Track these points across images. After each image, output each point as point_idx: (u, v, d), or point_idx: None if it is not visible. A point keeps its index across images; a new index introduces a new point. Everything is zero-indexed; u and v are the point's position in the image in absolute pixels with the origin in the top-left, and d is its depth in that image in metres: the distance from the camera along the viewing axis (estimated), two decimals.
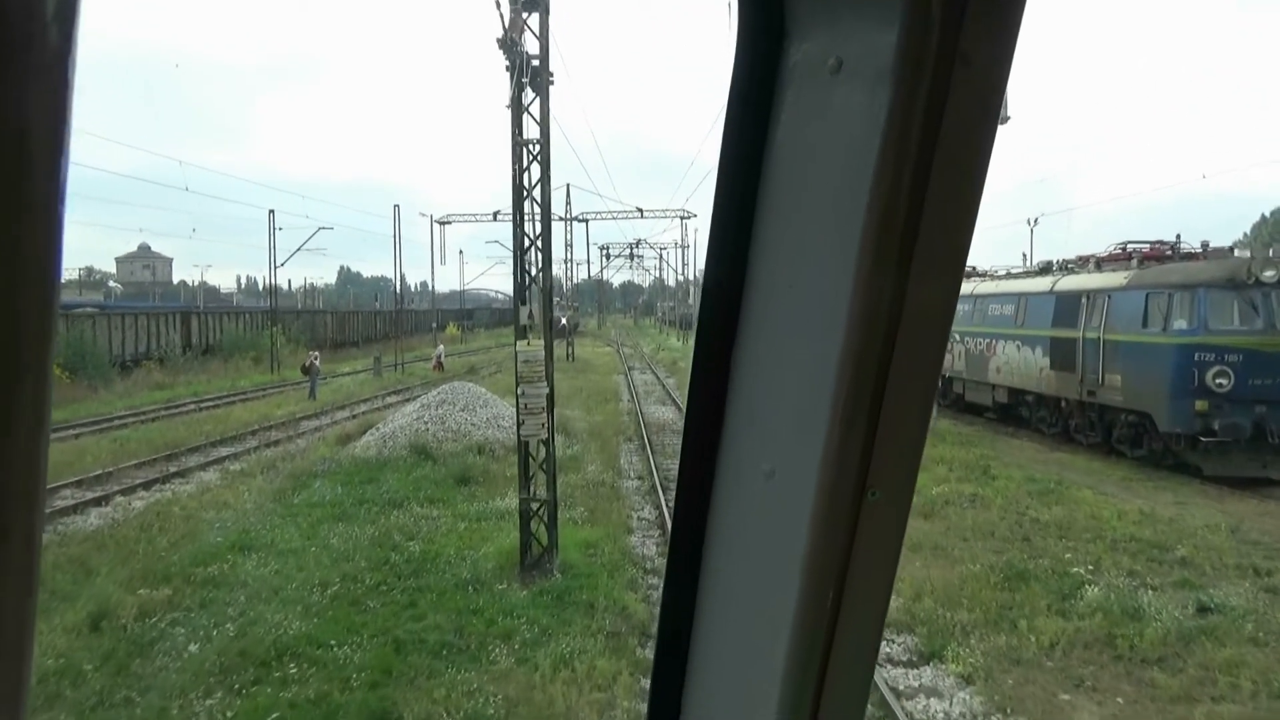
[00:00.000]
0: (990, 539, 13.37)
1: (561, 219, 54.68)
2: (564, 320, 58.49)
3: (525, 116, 11.54)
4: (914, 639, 9.62)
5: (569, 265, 57.39)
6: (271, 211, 44.79)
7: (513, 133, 11.40)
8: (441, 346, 48.50)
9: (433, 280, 66.10)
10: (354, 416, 27.25)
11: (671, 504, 1.21)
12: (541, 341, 11.17)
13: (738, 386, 1.07)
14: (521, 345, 11.03)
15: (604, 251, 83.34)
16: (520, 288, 11.50)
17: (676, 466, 1.18)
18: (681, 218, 58.52)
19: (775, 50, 0.98)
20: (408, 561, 12.10)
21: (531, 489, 11.61)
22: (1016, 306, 23.94)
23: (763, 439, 1.04)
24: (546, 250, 11.57)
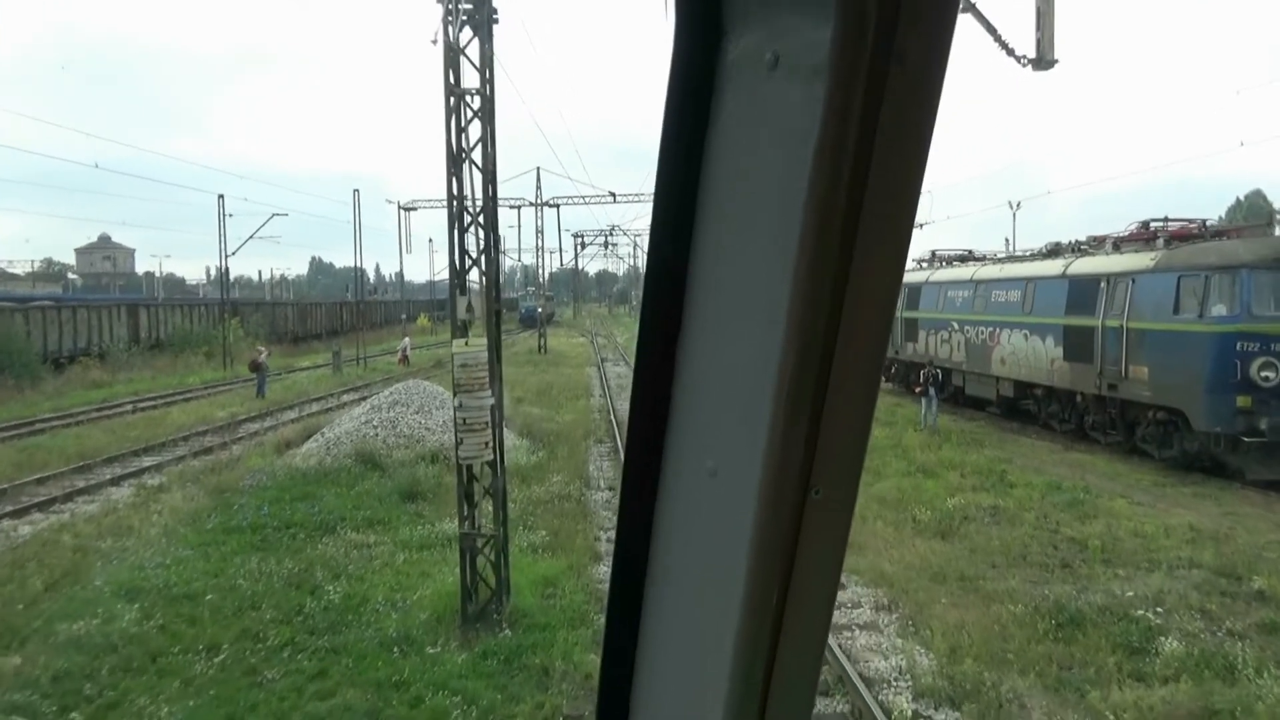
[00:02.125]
0: (1024, 565, 11.33)
1: (532, 204, 52.26)
2: (539, 310, 56.20)
3: (463, 62, 9.31)
4: None
5: (541, 253, 54.87)
6: (221, 197, 42.08)
7: (446, 80, 9.16)
8: (407, 339, 46.04)
9: (401, 269, 63.29)
10: (301, 418, 24.89)
11: None
12: (484, 340, 8.97)
13: (681, 384, 1.04)
14: (458, 345, 8.82)
15: (578, 239, 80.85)
16: (458, 273, 9.28)
17: None
18: (654, 189, 56.22)
19: (713, 45, 0.95)
20: (326, 610, 9.88)
21: (476, 521, 9.41)
22: (1024, 292, 21.95)
23: (706, 437, 1.01)
24: (491, 225, 9.35)
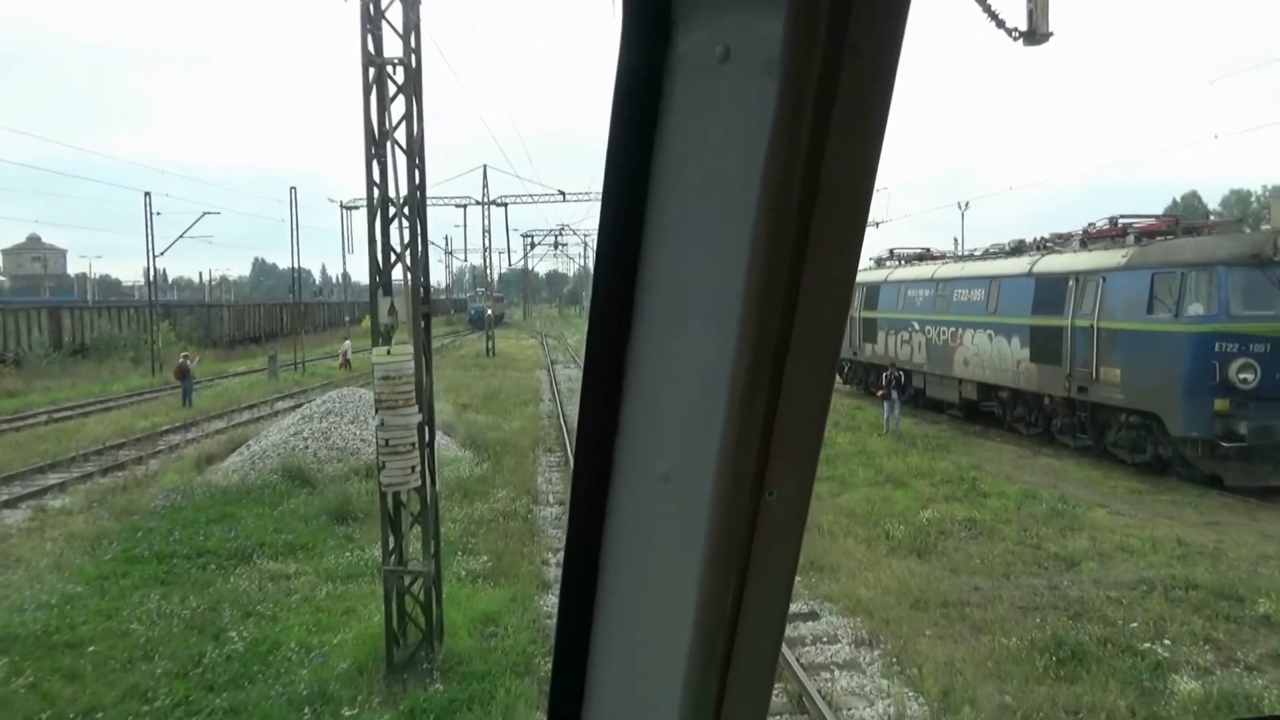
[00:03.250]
0: (1010, 587, 10.42)
1: (478, 203, 50.75)
2: (488, 311, 54.62)
3: (386, 30, 8.10)
4: None
5: (488, 253, 53.33)
6: (147, 194, 39.87)
7: (363, 48, 7.93)
8: (349, 342, 44.20)
9: (344, 269, 61.25)
10: (229, 429, 23.27)
11: None
12: (410, 348, 7.76)
13: (632, 386, 1.02)
14: (379, 355, 7.59)
15: (527, 239, 79.32)
16: (380, 271, 8.05)
17: None
18: (603, 185, 55.07)
19: (662, 39, 0.93)
20: (229, 660, 8.57)
21: (404, 554, 8.19)
22: (988, 291, 21.24)
23: (658, 440, 1.00)
24: (419, 216, 8.14)
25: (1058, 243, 20.20)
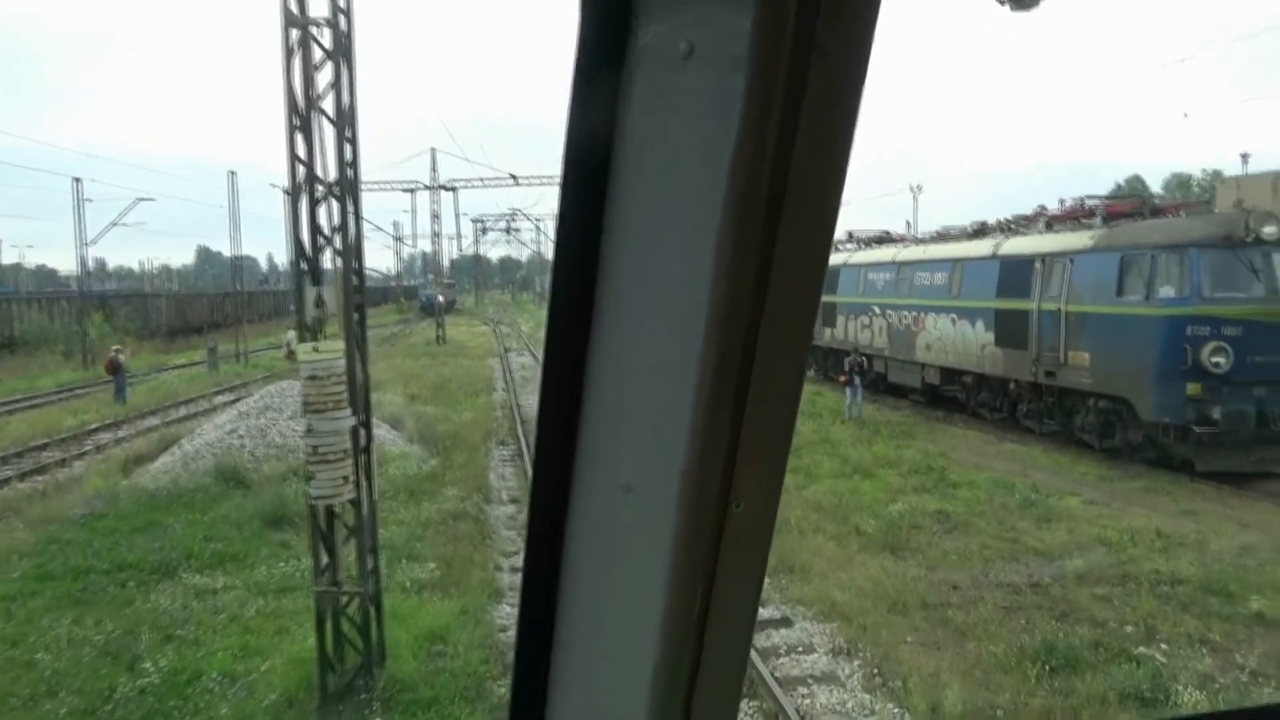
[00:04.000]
0: (991, 587, 9.89)
1: (427, 188, 49.39)
2: (439, 298, 53.28)
3: None
4: None
5: (437, 238, 51.99)
6: (77, 180, 38.07)
7: (283, 6, 7.02)
8: (292, 332, 42.54)
9: (296, 258, 59.28)
10: (162, 426, 22.03)
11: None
12: (341, 344, 6.91)
13: (592, 396, 0.98)
14: (304, 352, 6.73)
15: (479, 224, 77.85)
16: (307, 257, 7.17)
17: None
18: (560, 185, 53.99)
19: (622, 30, 0.90)
20: (143, 695, 7.68)
21: (338, 573, 7.36)
22: (951, 274, 20.80)
23: (620, 451, 0.96)
24: (350, 195, 7.27)
25: (1022, 224, 19.81)
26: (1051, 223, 18.53)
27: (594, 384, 0.98)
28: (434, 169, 48.87)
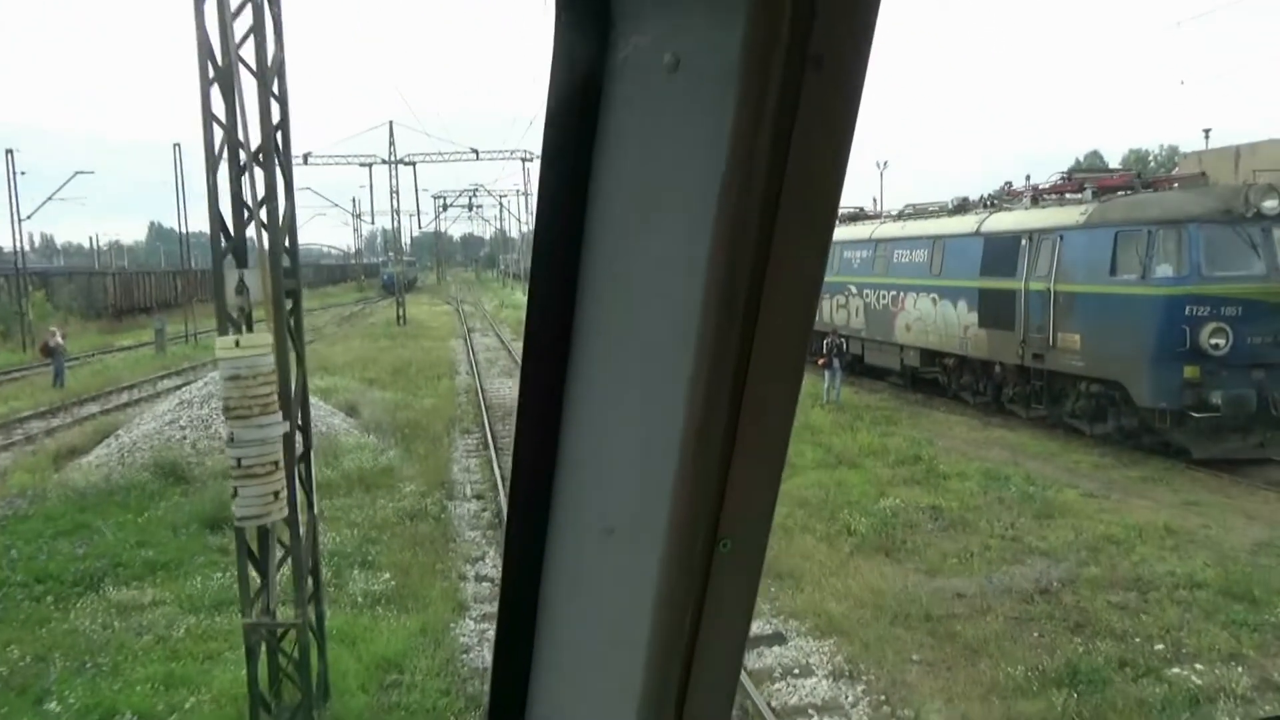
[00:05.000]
0: (997, 595, 9.12)
1: (385, 162, 47.73)
2: (400, 276, 51.77)
3: None
4: None
5: (396, 215, 50.37)
6: (9, 152, 36.05)
7: None
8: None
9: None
10: (101, 414, 20.71)
11: None
12: (269, 337, 5.87)
13: (570, 431, 0.94)
14: (224, 347, 5.68)
15: (440, 201, 76.01)
16: (228, 233, 6.10)
17: None
18: (523, 159, 52.54)
19: (601, 40, 0.86)
20: None
21: (270, 600, 6.34)
22: (930, 252, 20.03)
23: (600, 492, 0.92)
24: (278, 163, 6.20)
25: (1006, 199, 19.07)
26: (1038, 198, 17.78)
27: (573, 420, 0.93)
28: (392, 143, 47.23)
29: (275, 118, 6.36)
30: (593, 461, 0.93)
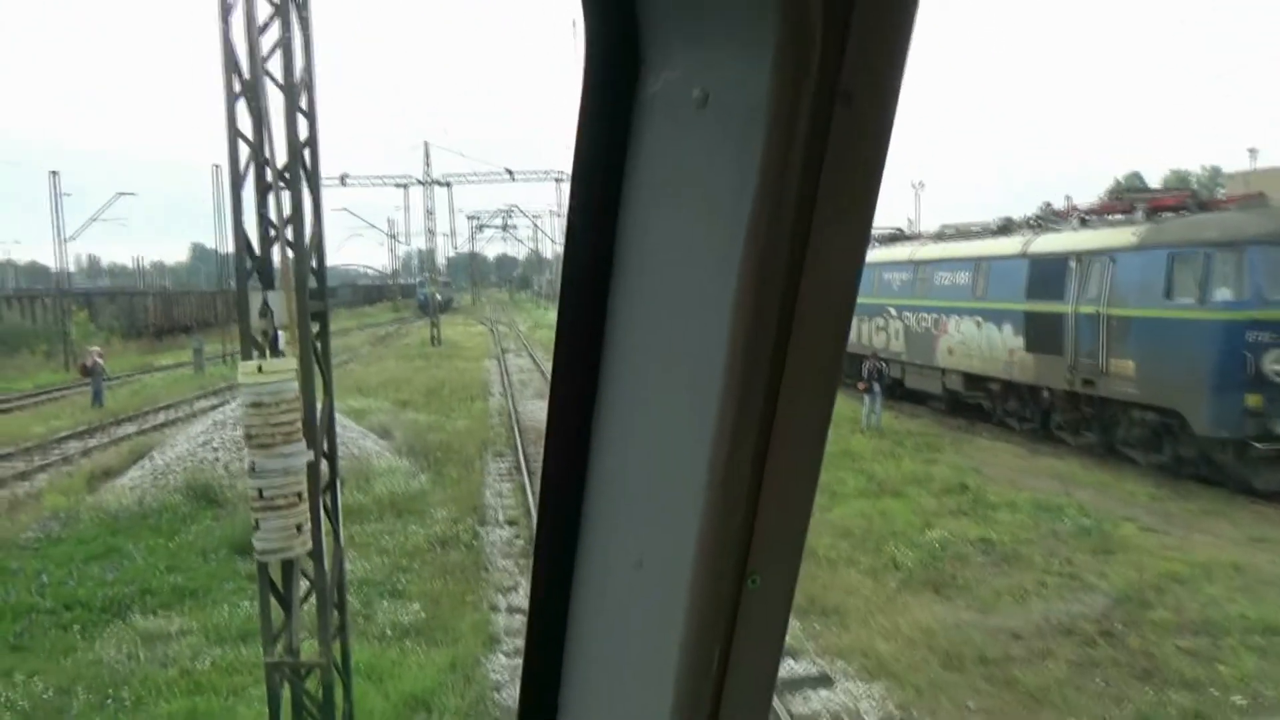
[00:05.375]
0: (1056, 635, 8.63)
1: (421, 183, 48.03)
2: (436, 296, 51.95)
3: None
4: None
5: (432, 235, 50.53)
6: (54, 173, 36.70)
7: None
8: (283, 332, 41.39)
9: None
10: (138, 434, 20.74)
11: None
12: (293, 362, 5.62)
13: (600, 467, 0.93)
14: (247, 372, 5.44)
15: (474, 222, 76.43)
16: (253, 254, 5.88)
17: None
18: (556, 180, 52.64)
19: (630, 75, 0.86)
20: None
21: (294, 639, 6.06)
22: (974, 274, 19.54)
23: (630, 524, 0.91)
24: (305, 179, 5.98)
25: (1053, 220, 18.54)
26: (1086, 219, 17.25)
27: (602, 454, 0.92)
28: (427, 163, 47.52)
29: (304, 134, 6.15)
30: (621, 492, 0.91)
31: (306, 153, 6.18)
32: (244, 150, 5.97)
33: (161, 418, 23.68)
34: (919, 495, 13.80)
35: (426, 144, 50.00)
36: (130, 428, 22.15)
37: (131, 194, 40.96)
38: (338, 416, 18.07)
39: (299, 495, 5.52)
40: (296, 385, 5.54)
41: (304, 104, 6.14)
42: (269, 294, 5.65)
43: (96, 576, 10.86)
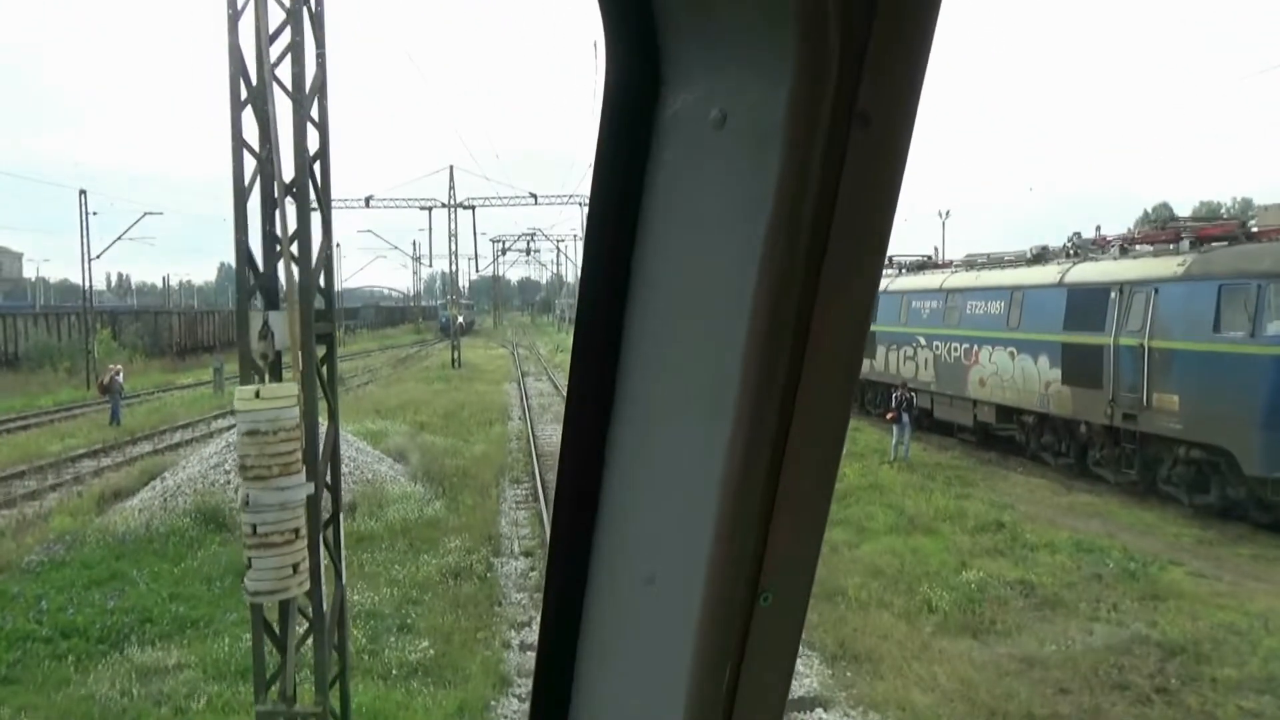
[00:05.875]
0: (1106, 691, 8.04)
1: (445, 206, 48.00)
2: (458, 319, 51.83)
3: None
4: None
5: (454, 258, 50.48)
6: (82, 193, 36.86)
7: None
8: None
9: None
10: (153, 454, 20.50)
11: None
12: (293, 388, 5.22)
13: (614, 482, 0.93)
14: (244, 396, 5.04)
15: (498, 245, 76.50)
16: (257, 271, 5.50)
17: None
18: (580, 204, 52.47)
19: (650, 96, 0.86)
20: None
21: (288, 685, 5.61)
22: (1008, 303, 18.97)
23: (643, 541, 0.91)
24: (316, 191, 5.61)
25: (1090, 249, 17.97)
26: (1127, 247, 16.69)
27: (615, 470, 0.92)
28: (451, 186, 47.49)
29: (314, 145, 5.80)
30: (635, 509, 0.91)
31: (317, 166, 5.83)
32: (251, 163, 5.62)
33: (177, 437, 23.45)
34: (952, 533, 13.21)
35: (451, 167, 50.09)
36: (146, 446, 21.93)
37: (158, 213, 40.98)
38: (352, 440, 17.70)
39: (296, 532, 5.10)
40: (297, 412, 5.14)
41: (315, 114, 5.79)
42: (271, 314, 5.26)
43: (97, 604, 10.49)
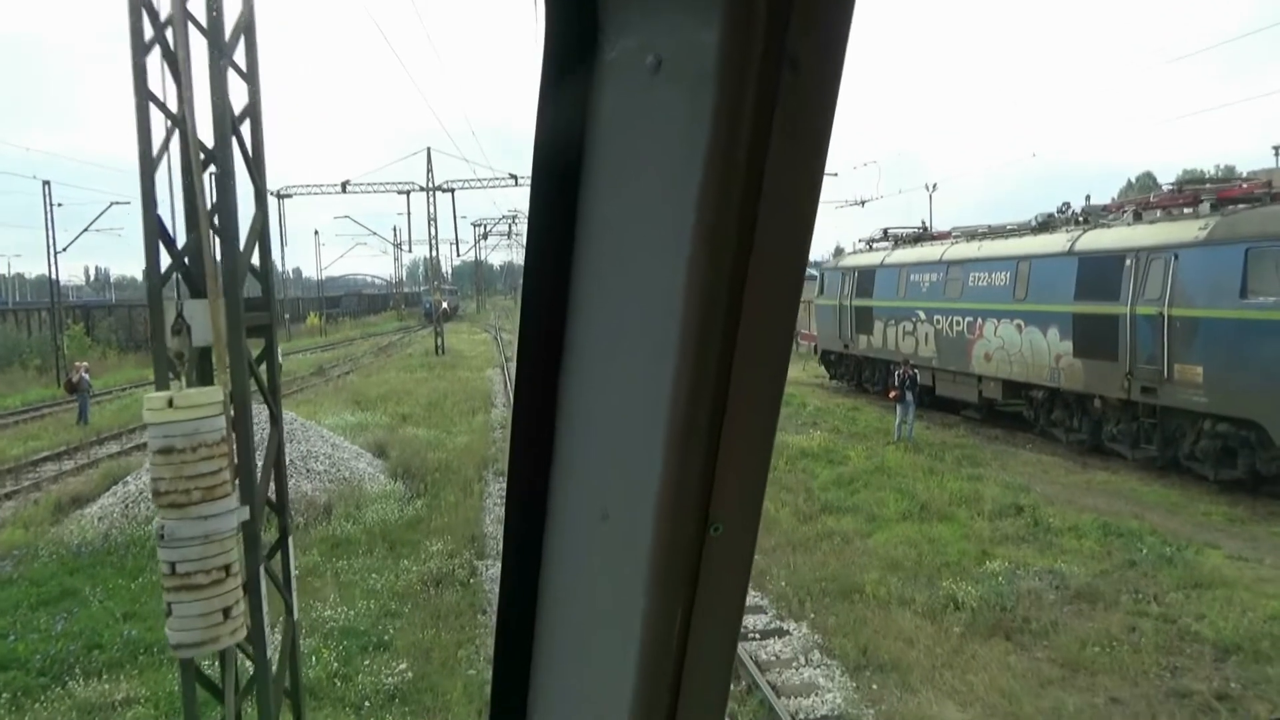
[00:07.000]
0: (1160, 699, 7.22)
1: (423, 189, 46.70)
2: (443, 305, 50.64)
3: None
4: None
5: (435, 242, 49.18)
6: (46, 183, 35.47)
7: None
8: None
9: (281, 263, 56.82)
10: (119, 455, 19.44)
11: None
12: (216, 392, 4.27)
13: (566, 421, 0.94)
14: (154, 405, 4.08)
15: (479, 228, 75.16)
16: (176, 253, 4.54)
17: None
18: (529, 200, 51.40)
19: (589, 44, 0.87)
20: None
21: None
22: (1014, 274, 18.11)
23: (596, 477, 0.93)
24: (243, 157, 4.64)
25: (1101, 215, 17.11)
26: (1141, 212, 15.83)
27: (567, 410, 0.93)
28: (429, 169, 46.18)
29: (243, 102, 4.82)
30: (586, 452, 0.92)
31: (247, 122, 4.85)
32: (163, 122, 4.64)
33: (144, 437, 22.34)
34: (969, 518, 12.40)
35: (429, 149, 48.73)
36: (113, 447, 20.85)
37: (125, 202, 39.51)
38: (329, 435, 16.61)
39: (226, 569, 4.17)
40: (222, 423, 4.19)
41: (242, 61, 4.81)
42: (188, 303, 4.30)
43: (43, 628, 9.55)
